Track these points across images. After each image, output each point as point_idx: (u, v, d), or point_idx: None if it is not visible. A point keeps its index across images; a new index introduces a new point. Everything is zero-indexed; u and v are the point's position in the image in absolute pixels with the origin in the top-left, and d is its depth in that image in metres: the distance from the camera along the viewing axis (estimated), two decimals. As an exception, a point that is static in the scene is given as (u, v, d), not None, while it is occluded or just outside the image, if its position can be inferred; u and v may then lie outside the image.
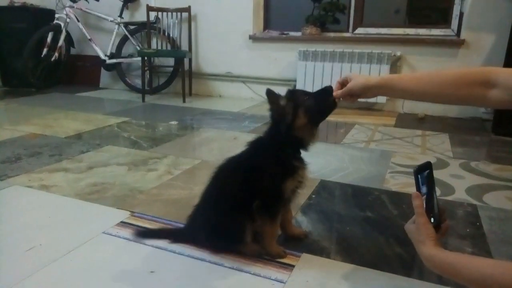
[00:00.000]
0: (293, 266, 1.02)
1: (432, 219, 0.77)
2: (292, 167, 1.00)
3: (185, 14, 3.61)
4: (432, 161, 0.83)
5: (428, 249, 0.73)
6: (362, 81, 0.96)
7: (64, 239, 1.13)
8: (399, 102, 3.20)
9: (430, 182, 0.80)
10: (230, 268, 1.01)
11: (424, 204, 0.77)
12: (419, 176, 0.79)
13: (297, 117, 0.97)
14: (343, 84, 1.00)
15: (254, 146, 1.06)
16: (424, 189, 0.79)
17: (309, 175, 1.05)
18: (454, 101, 0.89)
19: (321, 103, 1.00)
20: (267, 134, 1.05)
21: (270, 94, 0.99)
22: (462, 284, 0.68)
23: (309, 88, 3.25)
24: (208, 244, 1.08)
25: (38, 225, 1.21)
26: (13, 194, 1.46)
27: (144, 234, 1.14)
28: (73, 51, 4.18)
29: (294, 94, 1.01)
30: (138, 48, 3.72)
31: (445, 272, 0.70)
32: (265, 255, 1.05)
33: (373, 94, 0.98)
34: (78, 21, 3.87)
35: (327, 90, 1.00)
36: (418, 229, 0.75)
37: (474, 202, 1.46)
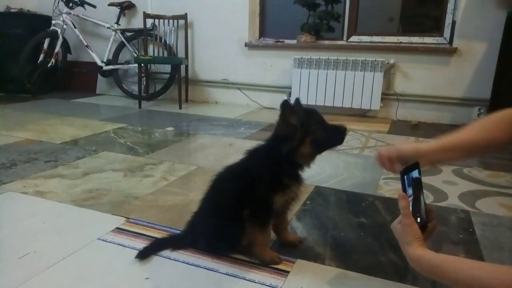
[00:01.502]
0: (288, 272, 1.02)
1: (418, 219, 0.78)
2: (284, 183, 0.99)
3: (181, 22, 3.64)
4: (424, 167, 0.84)
5: (414, 250, 0.73)
6: (412, 148, 0.87)
7: (59, 245, 1.13)
8: (393, 109, 3.24)
9: (417, 182, 0.81)
10: (225, 274, 1.01)
11: (411, 205, 0.78)
12: (405, 176, 0.79)
13: (304, 144, 0.95)
14: (389, 157, 0.89)
15: (251, 155, 1.05)
16: (410, 190, 0.79)
17: (303, 190, 1.05)
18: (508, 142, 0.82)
19: (330, 139, 0.97)
20: (266, 146, 1.03)
21: (285, 107, 0.92)
22: (449, 286, 0.68)
23: (304, 95, 3.29)
24: (206, 250, 1.09)
25: (33, 232, 1.21)
26: (7, 200, 1.45)
27: (145, 253, 1.09)
28: (69, 57, 4.18)
29: (310, 118, 0.95)
30: (135, 55, 3.74)
31: (432, 273, 0.71)
32: (259, 262, 1.06)
33: (428, 161, 0.85)
34: (75, 27, 3.89)
35: (340, 130, 0.97)
36: (404, 230, 0.76)
37: (467, 208, 1.47)
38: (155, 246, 1.11)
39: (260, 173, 1.00)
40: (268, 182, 0.99)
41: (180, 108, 3.44)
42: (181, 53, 3.73)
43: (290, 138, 0.95)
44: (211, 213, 1.08)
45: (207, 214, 1.09)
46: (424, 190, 0.84)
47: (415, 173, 0.81)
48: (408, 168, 0.80)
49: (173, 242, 1.13)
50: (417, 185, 0.81)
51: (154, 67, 3.87)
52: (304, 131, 0.94)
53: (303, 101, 3.61)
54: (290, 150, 0.95)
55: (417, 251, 0.72)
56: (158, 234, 1.20)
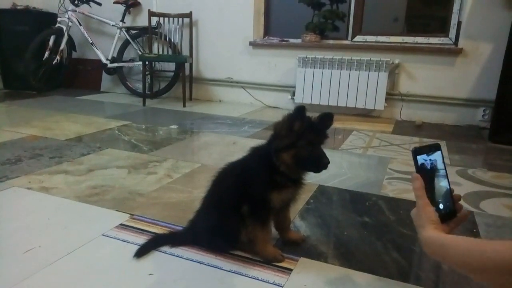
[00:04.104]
0: (291, 270, 1.03)
1: (441, 205, 0.72)
2: (279, 182, 0.99)
3: (186, 20, 3.65)
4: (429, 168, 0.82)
5: (426, 232, 0.66)
6: None
7: (63, 241, 1.14)
8: (397, 109, 3.23)
9: (435, 166, 0.75)
10: (228, 271, 1.02)
11: (426, 187, 0.72)
12: (417, 157, 0.73)
13: (287, 152, 0.94)
14: None
15: (252, 153, 1.07)
16: (424, 171, 0.73)
17: (301, 192, 1.05)
18: None
19: (310, 162, 0.96)
20: (266, 144, 1.03)
21: (300, 112, 0.91)
22: (466, 270, 0.60)
23: (308, 94, 3.29)
24: (205, 247, 1.10)
25: (38, 227, 1.22)
26: (12, 195, 1.46)
27: (143, 250, 1.09)
28: (74, 54, 4.20)
29: (310, 135, 0.94)
30: (140, 53, 3.75)
31: (439, 254, 0.64)
32: (260, 259, 1.06)
33: None
34: (80, 25, 3.90)
35: (323, 161, 0.94)
36: (418, 212, 0.70)
37: (471, 209, 1.47)
38: (154, 243, 1.11)
39: (257, 170, 1.01)
40: (264, 179, 0.99)
41: (184, 106, 3.45)
42: (185, 51, 3.73)
43: (281, 137, 0.96)
44: (211, 209, 1.09)
45: (206, 211, 1.10)
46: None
47: (433, 156, 0.75)
48: (422, 149, 0.74)
49: (173, 239, 1.14)
50: (436, 167, 0.75)
51: (158, 65, 3.87)
52: (295, 139, 0.94)
53: (307, 101, 3.57)
54: (275, 150, 0.96)
55: (429, 233, 0.65)
56: (162, 231, 1.21)
